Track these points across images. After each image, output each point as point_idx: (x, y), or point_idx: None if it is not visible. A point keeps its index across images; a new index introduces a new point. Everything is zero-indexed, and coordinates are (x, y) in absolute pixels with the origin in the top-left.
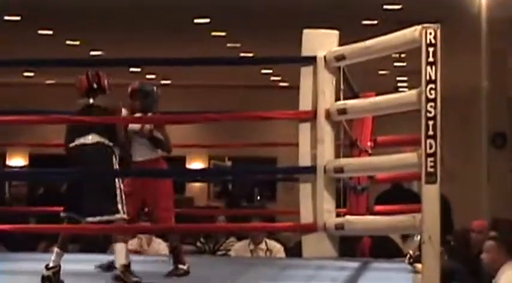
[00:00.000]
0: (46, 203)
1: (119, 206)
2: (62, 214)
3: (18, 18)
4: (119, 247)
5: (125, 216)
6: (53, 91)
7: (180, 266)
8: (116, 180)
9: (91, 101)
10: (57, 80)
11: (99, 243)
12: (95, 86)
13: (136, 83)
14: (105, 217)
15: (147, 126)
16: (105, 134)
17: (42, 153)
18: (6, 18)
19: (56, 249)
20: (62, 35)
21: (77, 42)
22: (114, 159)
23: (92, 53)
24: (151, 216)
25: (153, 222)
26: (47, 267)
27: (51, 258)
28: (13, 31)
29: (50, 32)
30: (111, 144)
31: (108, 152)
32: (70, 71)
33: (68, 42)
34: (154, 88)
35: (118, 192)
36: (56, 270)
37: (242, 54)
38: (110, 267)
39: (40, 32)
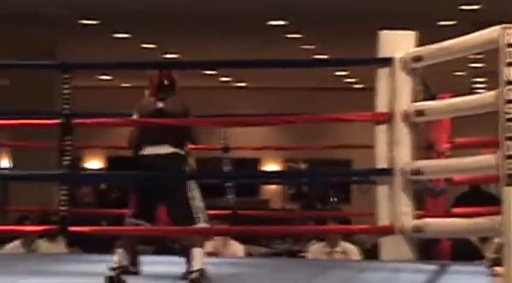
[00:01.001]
0: (120, 206)
1: (196, 215)
2: (130, 220)
3: (95, 22)
4: (196, 252)
5: (206, 225)
6: (128, 94)
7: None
8: (192, 189)
9: (160, 104)
10: (132, 83)
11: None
12: (166, 82)
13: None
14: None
15: None
16: (177, 141)
17: (118, 155)
18: (84, 22)
19: (119, 250)
20: (138, 38)
21: (153, 46)
22: (187, 166)
23: (167, 55)
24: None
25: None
26: (111, 268)
27: (114, 259)
28: (90, 35)
29: (126, 36)
30: (183, 153)
31: (182, 162)
32: (144, 74)
33: (143, 45)
34: None
35: (192, 202)
36: (120, 271)
37: (316, 56)
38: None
39: (116, 35)
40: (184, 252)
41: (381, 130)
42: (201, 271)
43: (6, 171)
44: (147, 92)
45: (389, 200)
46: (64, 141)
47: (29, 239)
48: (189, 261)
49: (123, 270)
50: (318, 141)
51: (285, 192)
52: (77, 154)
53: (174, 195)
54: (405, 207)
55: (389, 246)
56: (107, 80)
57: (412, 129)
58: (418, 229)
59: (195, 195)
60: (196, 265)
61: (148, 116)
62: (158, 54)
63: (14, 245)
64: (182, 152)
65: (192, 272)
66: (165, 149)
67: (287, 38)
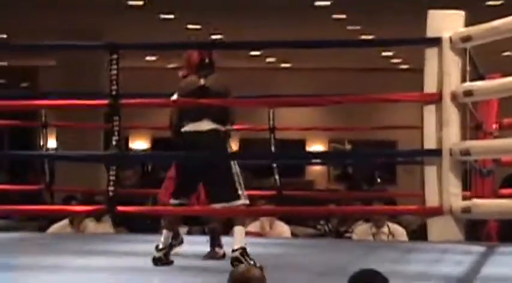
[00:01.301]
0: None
1: (240, 192)
2: (172, 201)
3: (141, 3)
4: (238, 230)
5: (247, 202)
6: (174, 75)
7: (217, 249)
8: (233, 165)
9: (202, 81)
10: (177, 63)
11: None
12: (207, 60)
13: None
14: (228, 204)
15: None
16: (219, 118)
17: (163, 136)
18: (130, 3)
19: (164, 231)
20: (183, 19)
21: (198, 26)
22: (228, 144)
23: (213, 36)
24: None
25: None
26: (157, 249)
27: (160, 239)
28: (136, 16)
29: (172, 16)
30: (224, 129)
31: (223, 138)
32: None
33: (189, 26)
34: None
35: (236, 177)
36: (166, 251)
37: (362, 37)
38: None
39: (162, 16)
40: (213, 233)
41: (429, 110)
42: (243, 250)
43: (54, 152)
44: (181, 73)
45: (438, 181)
46: (112, 121)
47: (76, 219)
48: (214, 241)
49: (169, 250)
50: (362, 122)
51: (329, 173)
52: (123, 135)
53: (218, 171)
54: (454, 187)
55: (438, 227)
56: (152, 60)
57: (460, 109)
58: (466, 210)
59: (238, 171)
60: (237, 243)
61: (190, 93)
62: (203, 35)
63: (61, 225)
64: (223, 128)
65: (233, 251)
66: (206, 125)
67: (333, 18)
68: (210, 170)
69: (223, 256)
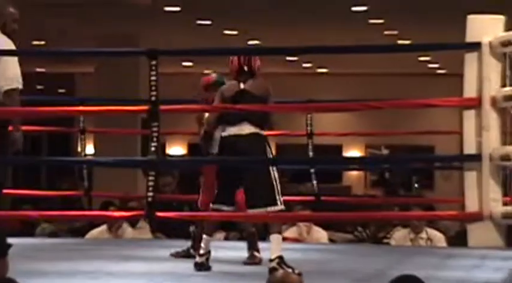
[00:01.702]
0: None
1: (277, 197)
2: (212, 206)
3: (177, 8)
4: (275, 239)
5: (283, 208)
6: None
7: (256, 254)
8: (272, 170)
9: (242, 86)
10: (213, 69)
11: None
12: (246, 68)
13: (212, 76)
14: (267, 209)
15: None
16: (258, 122)
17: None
18: (166, 9)
19: (204, 236)
20: (220, 25)
21: (235, 32)
22: (268, 148)
23: (250, 42)
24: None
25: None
26: (200, 254)
27: (201, 245)
28: (173, 21)
29: (209, 22)
30: (263, 133)
31: (263, 142)
32: (227, 60)
33: (225, 31)
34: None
35: (275, 182)
36: (207, 256)
37: (399, 42)
38: (186, 255)
39: (199, 22)
40: (250, 238)
41: (469, 116)
42: (280, 260)
43: (92, 158)
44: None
45: (478, 186)
46: (151, 127)
47: (114, 225)
48: (252, 246)
49: (209, 256)
50: (399, 128)
51: (366, 179)
52: (161, 141)
53: (257, 176)
54: (494, 193)
55: (477, 233)
56: (188, 66)
57: (500, 114)
58: (507, 216)
59: (277, 177)
60: (274, 253)
61: (230, 97)
62: (242, 40)
63: (99, 230)
64: (262, 132)
65: (271, 260)
66: (246, 129)
67: (370, 23)
68: (249, 175)
69: (261, 261)
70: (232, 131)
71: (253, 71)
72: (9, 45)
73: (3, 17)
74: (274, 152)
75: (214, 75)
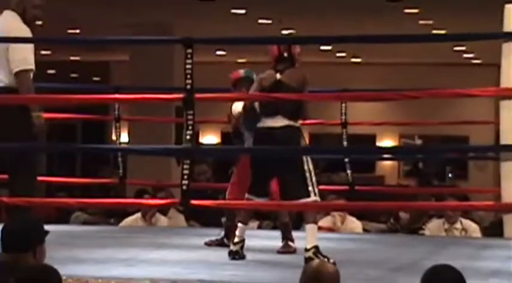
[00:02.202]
0: None
1: (310, 188)
2: (247, 196)
3: None
4: (310, 229)
5: (318, 198)
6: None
7: (290, 243)
8: (306, 162)
9: (278, 76)
10: (248, 58)
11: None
12: (286, 54)
13: (240, 72)
14: (299, 201)
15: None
16: (292, 114)
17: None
18: None
19: (239, 224)
20: (255, 14)
21: (269, 21)
22: (302, 140)
23: (284, 31)
24: None
25: None
26: (234, 242)
27: (235, 233)
28: (207, 10)
29: (243, 11)
30: (298, 125)
31: (297, 134)
32: (261, 49)
33: (260, 21)
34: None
35: (308, 174)
36: (242, 244)
37: (435, 31)
38: (220, 244)
39: (233, 11)
40: (284, 227)
41: (506, 106)
42: (316, 249)
43: (127, 145)
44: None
45: None
46: (186, 115)
47: (149, 213)
48: (286, 236)
49: (243, 244)
50: (432, 117)
51: (400, 169)
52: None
53: (290, 168)
54: None
55: None
56: (222, 55)
57: None
58: None
59: (311, 168)
60: (310, 242)
61: (267, 87)
62: (276, 30)
63: (134, 218)
64: (297, 124)
65: (307, 250)
66: (280, 121)
67: (405, 13)
68: (283, 166)
69: (295, 250)
70: (266, 122)
71: (293, 57)
72: (24, 32)
73: (23, 2)
74: (308, 142)
75: (242, 71)
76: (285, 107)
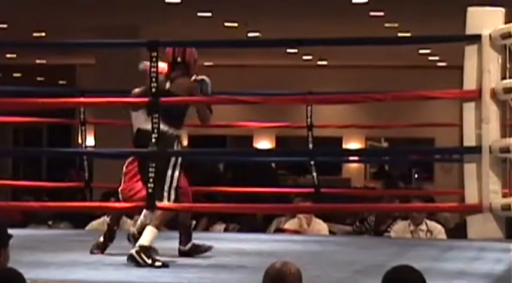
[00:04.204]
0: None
1: (166, 193)
2: None
3: (178, 0)
4: (149, 230)
5: (167, 203)
6: (210, 72)
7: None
8: (171, 166)
9: (168, 85)
10: (214, 61)
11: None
12: (179, 60)
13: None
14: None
15: None
16: (168, 120)
17: (201, 133)
18: (167, 0)
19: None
20: (221, 17)
21: (235, 24)
22: (175, 146)
23: (250, 34)
24: None
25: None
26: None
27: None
28: (173, 14)
29: (209, 14)
30: (168, 130)
31: (168, 140)
32: (227, 52)
33: (226, 23)
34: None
35: (169, 179)
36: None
37: (400, 34)
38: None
39: (199, 14)
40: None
41: (469, 108)
42: (141, 249)
43: (93, 149)
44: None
45: (478, 178)
46: (152, 118)
47: (116, 216)
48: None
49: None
50: (398, 120)
51: (366, 171)
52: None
53: (155, 170)
54: (493, 185)
55: (477, 225)
56: None
57: (500, 106)
58: (506, 208)
59: (175, 174)
60: (142, 240)
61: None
62: (242, 32)
63: (101, 221)
64: (170, 131)
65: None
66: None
67: (370, 15)
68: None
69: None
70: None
71: (188, 64)
72: None
73: None
74: (274, 144)
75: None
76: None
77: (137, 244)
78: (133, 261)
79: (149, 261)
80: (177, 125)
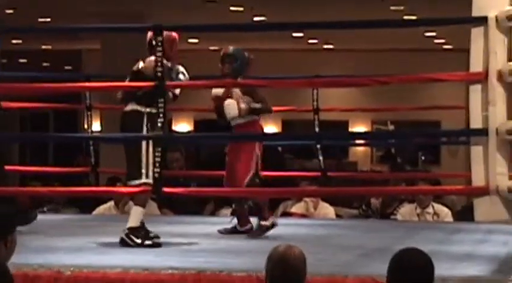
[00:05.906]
0: (210, 167)
1: (143, 170)
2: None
3: None
4: (135, 210)
5: (149, 181)
6: (216, 57)
7: (263, 222)
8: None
9: (141, 65)
10: (220, 45)
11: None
12: (154, 42)
13: (228, 48)
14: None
15: (237, 91)
16: (141, 99)
17: (207, 118)
18: None
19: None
20: (226, 1)
21: (241, 8)
22: (145, 125)
23: (256, 18)
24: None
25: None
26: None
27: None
28: (178, 0)
29: None
30: (144, 110)
31: (140, 118)
32: (233, 36)
33: (231, 8)
34: (246, 54)
35: (144, 157)
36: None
37: (406, 17)
38: (233, 231)
39: None
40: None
41: (475, 90)
42: (130, 231)
43: (99, 134)
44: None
45: (484, 161)
46: (157, 103)
47: (122, 201)
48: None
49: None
50: (405, 103)
51: (372, 154)
52: (167, 117)
53: (128, 150)
54: (500, 167)
55: (484, 207)
56: (194, 43)
57: (506, 88)
58: None
59: (150, 150)
60: (130, 222)
61: (130, 74)
62: (248, 17)
63: (106, 207)
64: (143, 109)
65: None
66: (130, 106)
67: None
68: (125, 148)
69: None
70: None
71: (164, 47)
72: None
73: None
74: (280, 128)
75: (230, 48)
76: (136, 93)
77: (126, 227)
78: (124, 244)
79: (138, 241)
80: (147, 103)
